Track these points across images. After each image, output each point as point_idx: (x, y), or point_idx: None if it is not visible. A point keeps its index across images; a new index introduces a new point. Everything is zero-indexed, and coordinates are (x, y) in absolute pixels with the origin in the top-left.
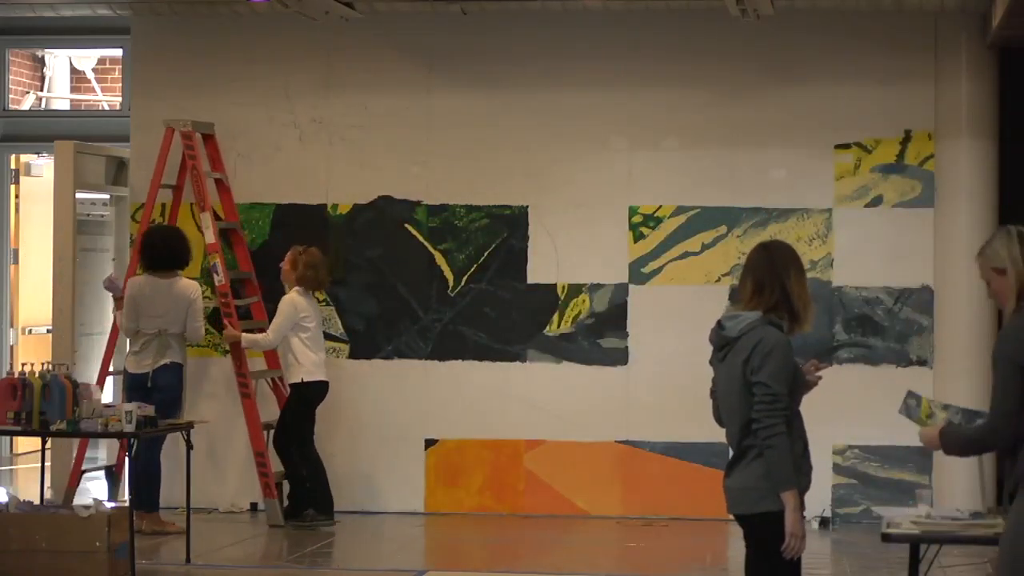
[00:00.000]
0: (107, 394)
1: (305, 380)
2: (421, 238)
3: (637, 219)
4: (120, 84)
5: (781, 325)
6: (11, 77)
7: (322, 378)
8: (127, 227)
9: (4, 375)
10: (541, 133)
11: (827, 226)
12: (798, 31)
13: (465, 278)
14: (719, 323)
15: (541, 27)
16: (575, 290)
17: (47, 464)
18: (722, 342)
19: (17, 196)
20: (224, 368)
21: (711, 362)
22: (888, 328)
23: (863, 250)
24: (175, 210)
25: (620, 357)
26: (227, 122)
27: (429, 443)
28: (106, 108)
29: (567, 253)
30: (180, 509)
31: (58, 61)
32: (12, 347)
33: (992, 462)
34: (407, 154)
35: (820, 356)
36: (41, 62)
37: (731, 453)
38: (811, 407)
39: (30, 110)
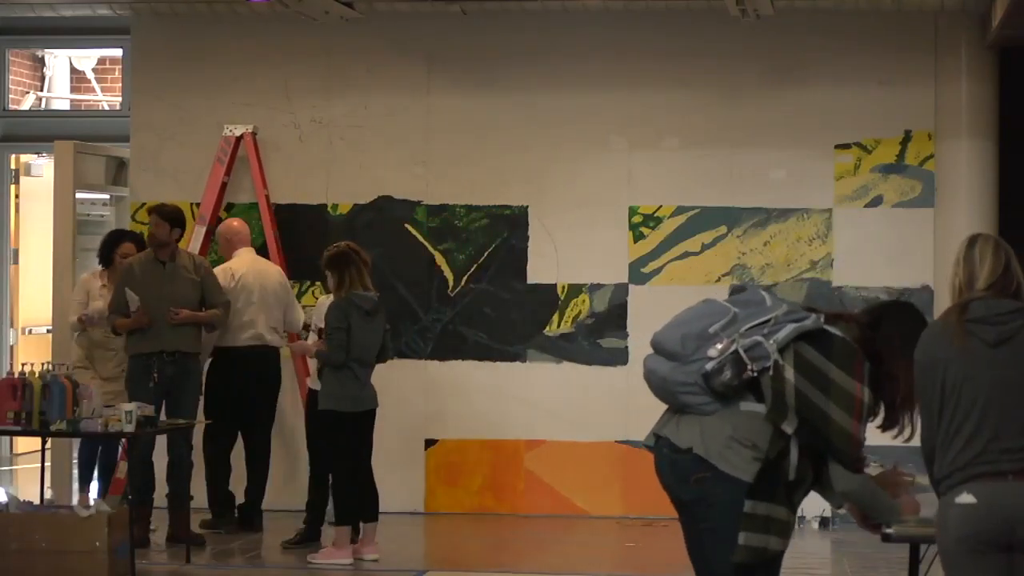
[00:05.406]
0: None
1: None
2: (421, 238)
3: (637, 219)
4: (120, 84)
5: None
6: (11, 77)
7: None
8: (127, 227)
9: (4, 375)
10: (541, 133)
11: (827, 226)
12: (798, 31)
13: (465, 278)
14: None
15: (541, 27)
16: (575, 290)
17: (47, 464)
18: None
19: (17, 196)
20: None
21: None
22: None
23: (863, 250)
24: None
25: (620, 357)
26: (227, 122)
27: (429, 443)
28: (106, 108)
29: (567, 253)
30: None
31: (58, 61)
32: (12, 347)
33: None
34: (407, 154)
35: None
36: (41, 62)
37: None
38: None
39: (30, 110)
